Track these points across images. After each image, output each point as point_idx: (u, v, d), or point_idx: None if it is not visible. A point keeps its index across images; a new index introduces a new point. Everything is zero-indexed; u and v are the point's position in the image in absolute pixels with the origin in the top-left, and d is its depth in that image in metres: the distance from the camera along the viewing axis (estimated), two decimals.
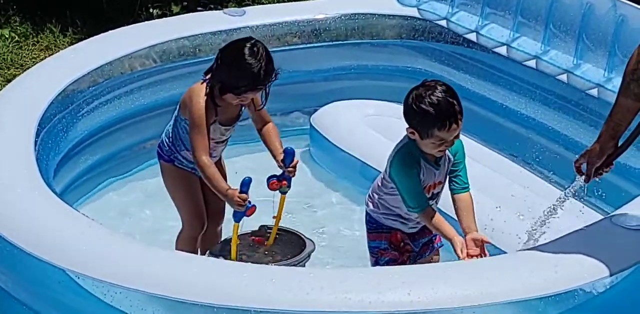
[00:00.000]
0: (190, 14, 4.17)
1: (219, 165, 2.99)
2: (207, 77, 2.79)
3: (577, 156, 2.57)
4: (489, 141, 3.83)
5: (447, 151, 2.62)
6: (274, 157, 2.84)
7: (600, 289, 2.43)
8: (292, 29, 3.93)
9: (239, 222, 2.73)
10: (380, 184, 2.72)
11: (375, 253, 2.77)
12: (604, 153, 2.47)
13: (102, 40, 3.68)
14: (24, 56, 4.88)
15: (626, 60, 3.32)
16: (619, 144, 2.49)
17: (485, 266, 2.44)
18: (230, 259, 2.78)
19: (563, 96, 3.69)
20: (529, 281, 2.35)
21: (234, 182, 2.78)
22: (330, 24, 3.99)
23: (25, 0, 5.26)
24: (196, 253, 3.00)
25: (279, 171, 2.84)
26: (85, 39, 3.85)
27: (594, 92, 3.55)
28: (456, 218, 2.68)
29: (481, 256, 2.53)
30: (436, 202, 2.73)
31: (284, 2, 5.17)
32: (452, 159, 2.67)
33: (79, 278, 2.40)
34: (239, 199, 2.68)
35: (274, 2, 5.40)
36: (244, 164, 3.56)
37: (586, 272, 2.39)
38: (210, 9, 5.10)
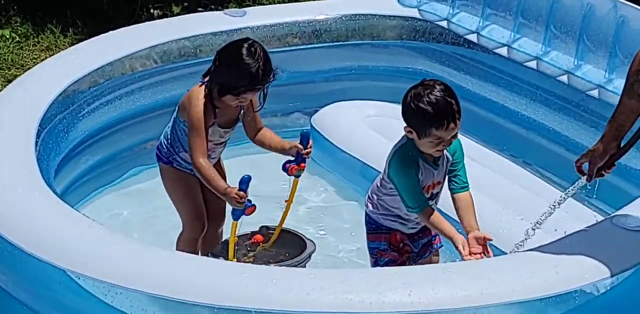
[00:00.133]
0: (191, 14, 4.17)
1: (218, 166, 2.99)
2: (206, 79, 2.80)
3: (578, 156, 2.57)
4: (490, 142, 3.83)
5: (445, 150, 2.62)
6: (282, 149, 2.87)
7: (601, 290, 2.43)
8: (292, 29, 3.93)
9: (237, 220, 2.73)
10: (379, 185, 2.72)
11: (375, 253, 2.77)
12: (607, 153, 2.46)
13: (103, 40, 3.68)
14: (25, 57, 4.88)
15: (627, 61, 3.33)
16: (622, 145, 2.48)
17: (485, 267, 2.44)
18: (228, 259, 2.78)
19: (564, 97, 3.69)
20: (530, 282, 2.35)
21: (233, 183, 2.78)
22: (331, 24, 3.99)
23: (26, 0, 5.26)
24: (197, 255, 3.00)
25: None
26: (85, 39, 3.85)
27: (595, 93, 3.56)
28: (456, 218, 2.68)
29: (484, 254, 2.53)
30: (435, 203, 2.73)
31: (285, 2, 5.18)
32: (451, 159, 2.67)
33: (79, 278, 2.40)
34: (236, 196, 2.68)
35: (274, 3, 5.40)
36: (244, 165, 3.56)
37: (587, 273, 2.39)
38: (211, 9, 5.11)
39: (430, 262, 2.82)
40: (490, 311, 2.29)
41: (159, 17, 5.11)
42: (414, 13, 4.07)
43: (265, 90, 2.80)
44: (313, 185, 3.69)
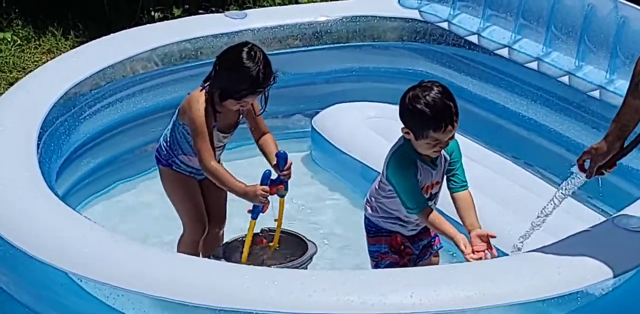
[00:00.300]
0: (192, 16, 4.17)
1: None
2: (206, 84, 2.80)
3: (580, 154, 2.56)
4: (491, 143, 3.83)
5: (443, 150, 2.62)
6: (270, 164, 2.85)
7: (603, 291, 2.43)
8: (293, 31, 3.93)
9: (256, 219, 2.73)
10: (377, 188, 2.72)
11: (376, 257, 2.76)
12: (610, 153, 2.45)
13: (104, 43, 3.68)
14: (26, 59, 4.89)
15: (628, 62, 3.32)
16: (625, 145, 2.48)
17: (487, 268, 2.44)
18: (240, 260, 2.78)
19: (565, 98, 3.69)
20: (532, 283, 2.35)
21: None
22: (332, 26, 4.00)
23: (27, 3, 5.27)
24: (198, 257, 3.00)
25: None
26: (87, 42, 3.86)
27: (596, 94, 3.55)
28: (456, 218, 2.68)
29: (488, 251, 2.52)
30: (435, 203, 2.72)
31: (285, 4, 5.18)
32: (449, 159, 2.67)
33: (81, 280, 2.40)
34: (262, 192, 2.68)
35: (275, 5, 5.41)
36: (244, 167, 3.56)
37: (589, 274, 2.39)
38: (212, 11, 5.11)
39: (431, 263, 2.81)
40: (492, 313, 2.29)
41: (160, 19, 5.11)
42: (414, 14, 4.07)
43: (266, 93, 2.80)
44: (313, 186, 3.69)
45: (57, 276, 2.42)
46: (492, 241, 2.58)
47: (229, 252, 2.87)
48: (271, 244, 2.90)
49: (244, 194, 2.72)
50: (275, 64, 2.79)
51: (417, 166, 2.60)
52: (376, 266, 2.76)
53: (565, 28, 3.65)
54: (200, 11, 5.17)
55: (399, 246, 2.74)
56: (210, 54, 3.70)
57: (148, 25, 4.01)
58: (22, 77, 3.74)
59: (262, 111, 2.90)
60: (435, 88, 2.51)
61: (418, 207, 2.59)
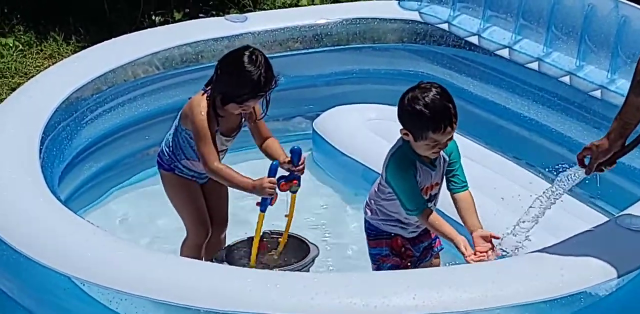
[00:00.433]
0: (193, 20, 4.19)
1: None
2: (208, 88, 2.81)
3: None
4: (492, 144, 3.83)
5: (442, 151, 2.61)
6: (281, 163, 2.85)
7: (607, 292, 2.42)
8: (293, 34, 3.94)
9: (265, 211, 2.73)
10: (377, 190, 2.71)
11: (377, 259, 2.76)
12: (611, 151, 2.45)
13: (105, 47, 3.69)
14: (28, 65, 4.90)
15: (629, 62, 3.31)
16: (626, 144, 2.48)
17: (490, 269, 2.43)
18: (250, 260, 2.78)
19: (566, 98, 3.68)
20: (535, 284, 2.35)
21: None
22: (332, 28, 4.00)
23: (28, 9, 5.28)
24: (201, 260, 3.00)
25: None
26: (88, 46, 3.86)
27: (597, 93, 3.55)
28: (456, 219, 2.68)
29: (490, 252, 2.52)
30: (434, 205, 2.72)
31: (286, 7, 5.19)
32: (448, 160, 2.66)
33: (84, 284, 2.40)
34: (270, 184, 2.69)
35: (275, 8, 5.41)
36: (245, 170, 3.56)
37: (592, 274, 2.39)
38: (212, 15, 5.12)
39: (432, 265, 2.81)
40: None
41: (161, 23, 5.12)
42: (414, 16, 4.07)
43: (267, 97, 2.80)
44: (315, 188, 3.69)
45: (60, 281, 2.42)
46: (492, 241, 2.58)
47: (231, 255, 2.87)
48: (275, 250, 2.90)
49: (252, 189, 2.72)
50: (275, 67, 2.79)
51: (416, 167, 2.59)
52: (377, 269, 2.76)
53: (565, 28, 3.64)
54: (201, 15, 5.18)
55: (400, 248, 2.74)
56: (211, 57, 3.71)
57: (149, 29, 4.03)
58: (24, 83, 3.75)
59: (263, 114, 2.90)
60: (433, 89, 2.51)
61: (418, 209, 2.59)
